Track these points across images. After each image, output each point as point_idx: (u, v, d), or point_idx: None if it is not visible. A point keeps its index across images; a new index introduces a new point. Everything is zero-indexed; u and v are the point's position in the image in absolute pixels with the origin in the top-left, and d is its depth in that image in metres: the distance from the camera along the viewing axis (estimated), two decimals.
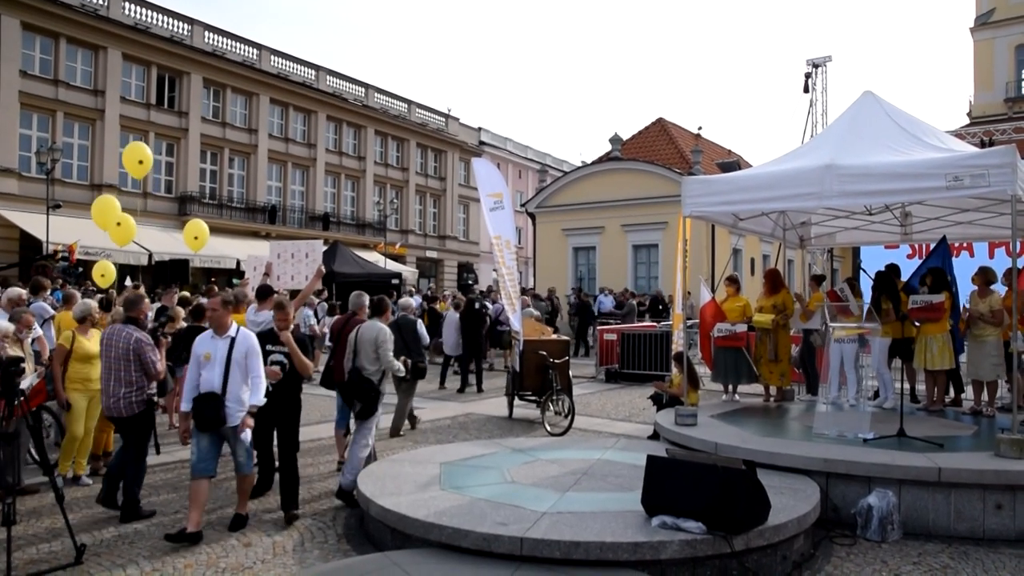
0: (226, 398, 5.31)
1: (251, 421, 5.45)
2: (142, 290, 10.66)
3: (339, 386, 6.85)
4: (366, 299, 7.36)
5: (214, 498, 6.34)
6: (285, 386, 5.95)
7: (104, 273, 12.17)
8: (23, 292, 8.12)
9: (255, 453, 6.03)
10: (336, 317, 9.04)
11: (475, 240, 46.34)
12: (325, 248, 19.30)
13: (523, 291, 14.64)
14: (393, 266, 30.13)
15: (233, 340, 5.41)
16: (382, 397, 6.60)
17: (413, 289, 26.15)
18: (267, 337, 5.95)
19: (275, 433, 6.12)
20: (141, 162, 11.47)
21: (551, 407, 9.68)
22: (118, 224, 11.54)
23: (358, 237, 36.03)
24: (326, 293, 19.42)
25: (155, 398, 6.19)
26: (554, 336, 11.37)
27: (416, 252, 39.81)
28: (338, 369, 6.89)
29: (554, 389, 9.56)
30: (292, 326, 6.17)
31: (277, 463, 6.23)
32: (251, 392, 5.42)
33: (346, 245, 27.29)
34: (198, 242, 14.35)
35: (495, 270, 22.80)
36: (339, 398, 7.25)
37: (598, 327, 16.95)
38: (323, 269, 8.24)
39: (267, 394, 5.63)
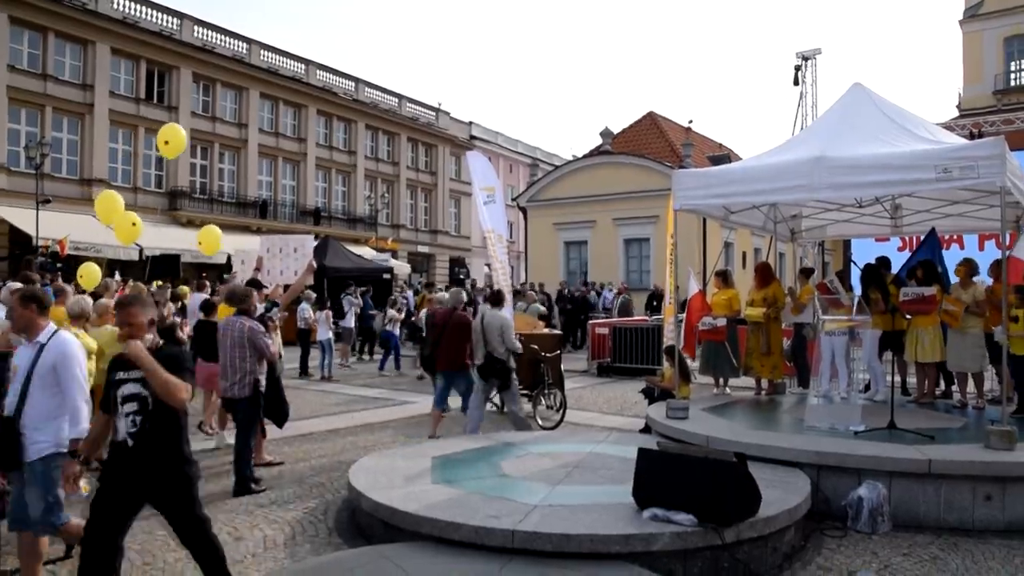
0: (22, 425, 3.90)
1: (75, 469, 3.84)
2: (142, 287, 10.54)
3: (479, 369, 7.95)
4: (463, 295, 8.68)
5: (208, 469, 6.65)
6: (154, 436, 3.61)
7: (85, 274, 11.67)
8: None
9: (70, 519, 4.17)
10: (436, 310, 9.68)
11: (466, 234, 46.28)
12: (316, 243, 19.20)
13: (522, 287, 14.68)
14: (384, 259, 29.98)
15: (42, 347, 4.01)
16: (514, 372, 7.94)
17: (405, 284, 26.09)
18: (116, 364, 3.76)
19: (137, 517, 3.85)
20: (167, 142, 11.37)
21: (543, 401, 9.72)
22: (133, 224, 11.36)
23: (349, 232, 35.93)
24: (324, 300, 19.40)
25: (261, 384, 6.52)
26: (546, 330, 11.40)
27: (408, 247, 39.77)
28: (442, 356, 8.18)
29: (546, 383, 9.60)
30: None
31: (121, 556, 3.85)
32: (69, 424, 3.94)
33: (337, 240, 27.20)
34: (206, 247, 14.11)
35: (488, 264, 22.46)
36: (441, 381, 8.32)
37: (589, 321, 16.98)
38: (314, 264, 8.28)
39: (127, 450, 3.61)
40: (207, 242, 12.48)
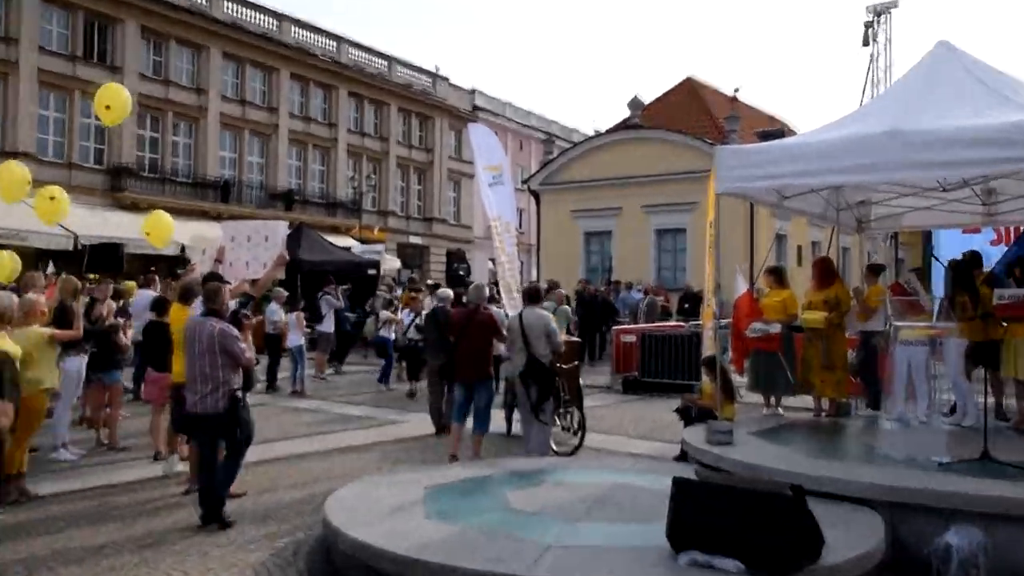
0: None
1: None
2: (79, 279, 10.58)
3: (520, 376, 8.31)
4: (487, 291, 9.05)
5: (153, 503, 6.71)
6: None
7: None
8: None
9: None
10: (454, 310, 9.99)
11: (467, 223, 46.49)
12: (288, 231, 19.21)
13: (549, 286, 14.74)
14: (375, 251, 29.77)
15: None
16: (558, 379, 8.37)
17: (393, 282, 26.10)
18: None
19: None
20: (108, 107, 11.29)
21: (558, 422, 9.81)
22: (52, 198, 11.21)
23: (328, 219, 36.19)
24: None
25: (239, 393, 6.58)
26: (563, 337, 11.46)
27: (397, 237, 40.03)
28: (463, 363, 8.63)
29: (561, 400, 9.64)
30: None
31: None
32: None
33: (313, 228, 27.48)
34: (155, 238, 13.93)
35: (492, 259, 22.61)
36: (460, 394, 8.80)
37: (613, 327, 17.10)
38: (285, 255, 8.31)
39: None
40: (156, 232, 12.37)
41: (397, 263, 33.05)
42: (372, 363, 17.62)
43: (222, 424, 6.52)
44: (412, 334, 14.02)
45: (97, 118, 12.35)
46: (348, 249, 28.35)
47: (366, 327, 17.31)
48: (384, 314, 15.78)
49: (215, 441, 6.59)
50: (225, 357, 6.45)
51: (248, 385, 6.93)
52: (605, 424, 11.62)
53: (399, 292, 21.17)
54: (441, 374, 9.74)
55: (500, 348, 10.54)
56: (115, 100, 11.26)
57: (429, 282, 24.64)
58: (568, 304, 17.02)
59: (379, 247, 28.63)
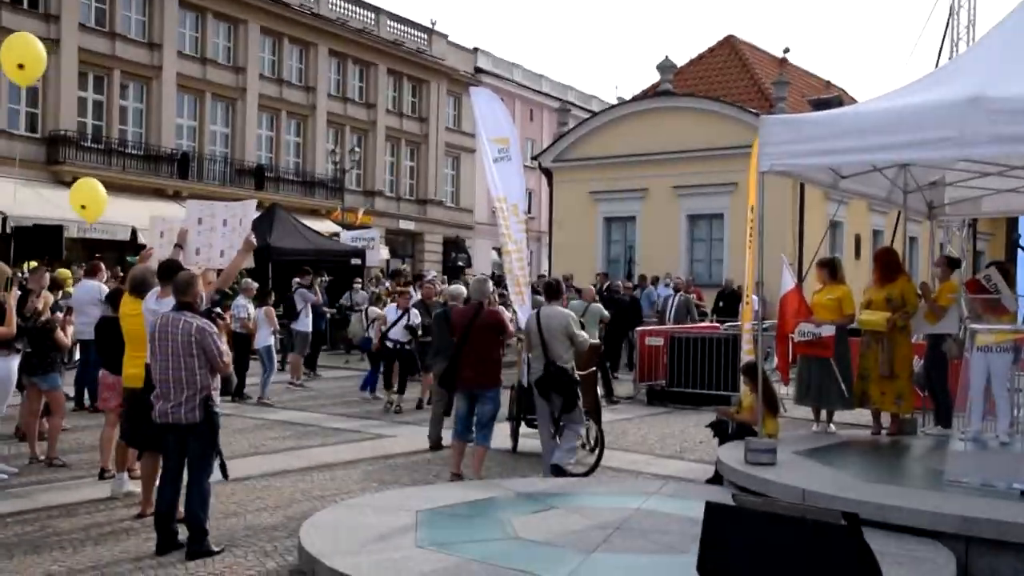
0: None
1: None
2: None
3: (537, 384, 8.64)
4: (490, 286, 9.33)
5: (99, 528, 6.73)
6: None
7: None
8: None
9: None
10: (456, 308, 10.11)
11: (467, 207, 46.57)
12: (258, 213, 19.24)
13: (570, 285, 14.81)
14: (365, 238, 29.58)
15: None
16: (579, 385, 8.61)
17: (381, 274, 26.19)
18: None
19: None
20: (22, 66, 11.30)
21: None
22: None
23: (304, 200, 36.44)
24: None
25: (215, 400, 6.65)
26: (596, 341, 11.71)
27: (386, 222, 40.09)
28: (467, 369, 8.73)
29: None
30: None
31: None
32: None
33: (287, 210, 27.42)
34: (89, 212, 13.97)
35: (497, 249, 22.40)
36: (463, 405, 8.95)
37: (636, 329, 17.18)
38: (253, 240, 8.24)
39: None
40: (88, 200, 12.30)
41: (385, 253, 33.09)
42: (356, 369, 17.77)
43: (198, 436, 6.55)
44: (398, 334, 14.02)
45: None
46: (336, 236, 28.51)
47: (350, 327, 17.35)
48: (373, 311, 15.81)
49: (183, 456, 6.64)
50: (203, 359, 6.52)
51: (225, 391, 7.00)
52: (627, 440, 11.63)
53: (388, 285, 21.27)
54: (441, 381, 9.87)
55: (522, 318, 10.73)
56: (27, 54, 11.12)
57: (424, 272, 24.64)
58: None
59: (372, 233, 28.50)
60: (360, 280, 22.99)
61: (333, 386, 16.97)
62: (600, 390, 12.83)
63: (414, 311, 14.09)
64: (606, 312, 14.89)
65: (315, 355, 18.61)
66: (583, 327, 13.41)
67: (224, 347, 6.75)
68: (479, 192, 44.78)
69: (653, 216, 27.43)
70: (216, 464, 6.64)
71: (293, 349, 17.06)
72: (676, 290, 20.39)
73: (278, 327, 15.54)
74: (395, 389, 14.07)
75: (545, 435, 8.92)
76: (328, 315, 19.20)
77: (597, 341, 12.25)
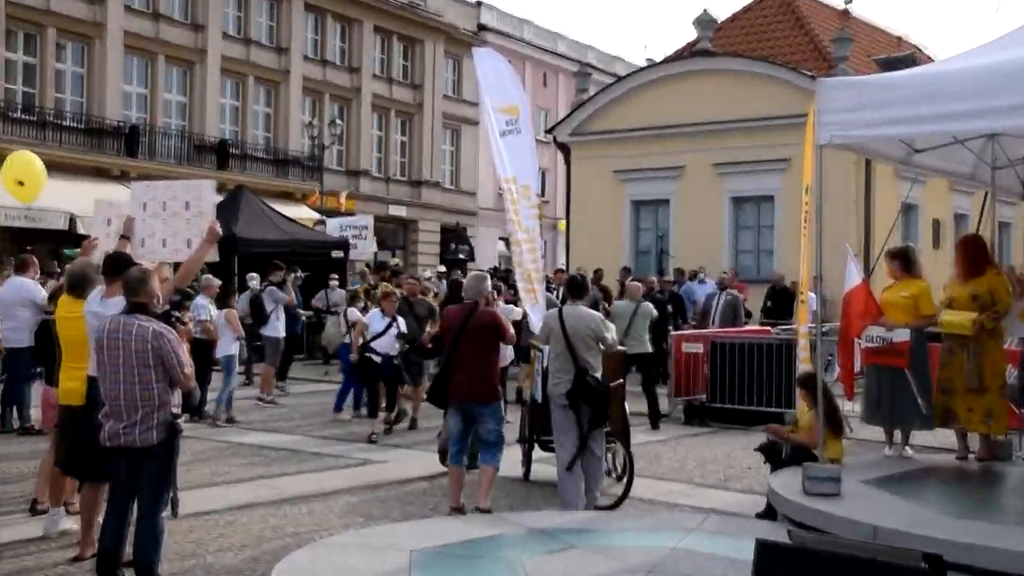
0: None
1: None
2: None
3: (569, 396, 8.61)
4: (489, 283, 9.38)
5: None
6: None
7: None
8: None
9: None
10: (448, 308, 10.34)
11: (469, 189, 46.60)
12: (221, 197, 18.98)
13: (598, 282, 14.78)
14: (356, 226, 29.13)
15: None
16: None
17: (368, 270, 25.86)
18: None
19: None
20: (22, 183, 11.34)
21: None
22: None
23: (275, 181, 36.37)
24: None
25: (179, 420, 6.65)
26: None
27: (373, 207, 39.63)
28: (461, 378, 8.76)
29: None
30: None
31: None
32: None
33: (255, 193, 27.12)
34: (27, 190, 13.85)
35: (505, 239, 22.12)
36: (455, 423, 8.97)
37: (672, 334, 17.10)
38: (218, 229, 8.25)
39: None
40: (26, 176, 12.22)
41: (372, 246, 32.34)
42: (336, 382, 17.70)
43: (155, 461, 6.45)
44: (385, 346, 13.67)
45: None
46: (322, 224, 28.30)
47: (325, 331, 17.17)
48: (352, 313, 15.62)
49: (134, 485, 6.49)
50: (161, 370, 6.43)
51: (186, 408, 6.96)
52: (661, 466, 11.60)
53: (370, 279, 21.09)
54: (430, 396, 9.84)
55: (534, 321, 11.09)
56: (27, 172, 11.15)
57: (417, 273, 24.38)
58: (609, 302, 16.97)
59: (364, 220, 28.36)
60: (337, 277, 22.78)
61: (310, 402, 16.90)
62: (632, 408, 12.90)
63: (401, 319, 13.87)
64: (655, 312, 15.01)
65: (287, 365, 18.48)
66: (630, 333, 13.88)
67: (185, 356, 6.68)
68: (483, 172, 44.57)
69: (690, 199, 26.98)
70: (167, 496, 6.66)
71: (264, 359, 16.91)
72: (721, 287, 20.00)
73: (243, 333, 15.40)
74: (384, 417, 13.66)
75: (564, 459, 8.83)
76: (304, 319, 18.94)
77: (622, 347, 12.13)
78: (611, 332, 9.13)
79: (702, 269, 23.38)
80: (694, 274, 23.18)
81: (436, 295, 18.01)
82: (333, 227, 27.75)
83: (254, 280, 17.93)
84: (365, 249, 27.19)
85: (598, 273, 21.65)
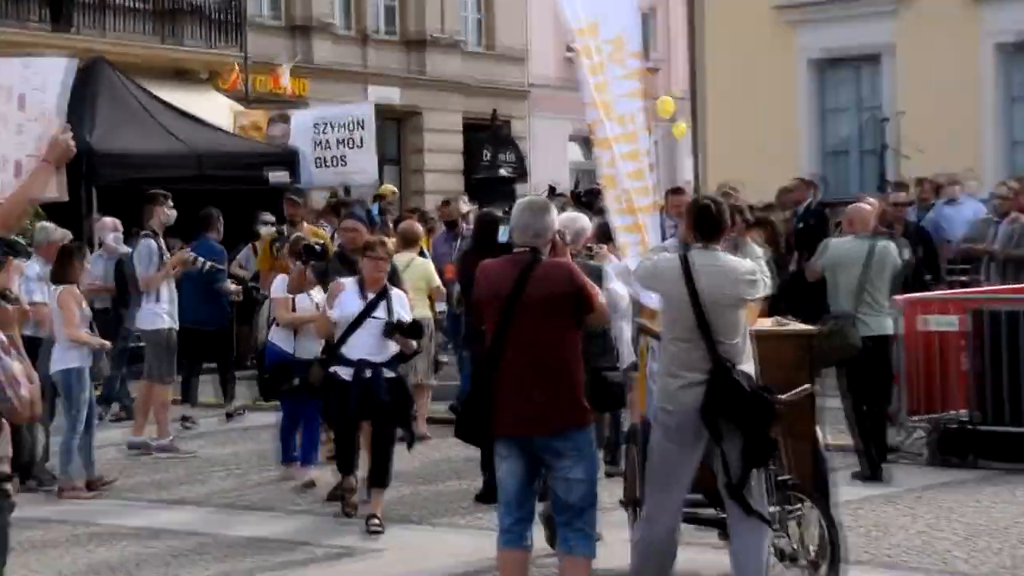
0: None
1: None
2: None
3: (704, 410, 7.76)
4: (554, 217, 8.47)
5: None
6: None
7: None
8: None
9: None
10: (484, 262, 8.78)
11: (512, 52, 43.15)
12: (71, 73, 17.47)
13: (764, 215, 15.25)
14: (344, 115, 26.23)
15: None
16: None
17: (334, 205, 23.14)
18: None
19: None
20: None
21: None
22: None
23: (159, 48, 33.30)
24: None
25: (5, 484, 6.50)
26: (769, 322, 10.68)
27: (341, 90, 35.92)
28: (513, 401, 7.56)
29: (772, 480, 8.69)
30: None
31: None
32: None
33: (126, 70, 24.83)
34: None
35: (583, 138, 19.83)
36: (510, 471, 7.75)
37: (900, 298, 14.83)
38: (69, 142, 6.43)
39: None
40: None
41: (372, 162, 28.16)
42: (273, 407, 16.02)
43: None
44: (367, 350, 11.30)
45: None
46: (280, 126, 25.72)
47: (259, 320, 15.47)
48: (276, 286, 13.42)
49: None
50: None
51: (16, 464, 7.24)
52: (889, 544, 10.20)
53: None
54: (459, 428, 8.37)
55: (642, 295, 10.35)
56: None
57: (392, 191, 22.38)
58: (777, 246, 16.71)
59: (360, 110, 24.92)
60: (270, 222, 19.78)
61: (240, 447, 15.61)
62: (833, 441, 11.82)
63: (399, 295, 11.53)
64: (908, 253, 13.88)
65: (192, 378, 17.11)
66: (870, 296, 12.55)
67: (16, 365, 6.27)
68: (537, 21, 41.01)
69: (921, 50, 24.74)
70: None
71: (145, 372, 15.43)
72: (999, 213, 17.85)
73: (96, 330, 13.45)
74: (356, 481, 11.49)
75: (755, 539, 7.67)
76: (228, 297, 16.99)
77: (808, 328, 10.24)
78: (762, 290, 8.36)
79: (962, 177, 20.57)
80: (938, 189, 20.38)
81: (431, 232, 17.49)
82: (301, 127, 24.23)
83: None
84: (363, 168, 23.75)
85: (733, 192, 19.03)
